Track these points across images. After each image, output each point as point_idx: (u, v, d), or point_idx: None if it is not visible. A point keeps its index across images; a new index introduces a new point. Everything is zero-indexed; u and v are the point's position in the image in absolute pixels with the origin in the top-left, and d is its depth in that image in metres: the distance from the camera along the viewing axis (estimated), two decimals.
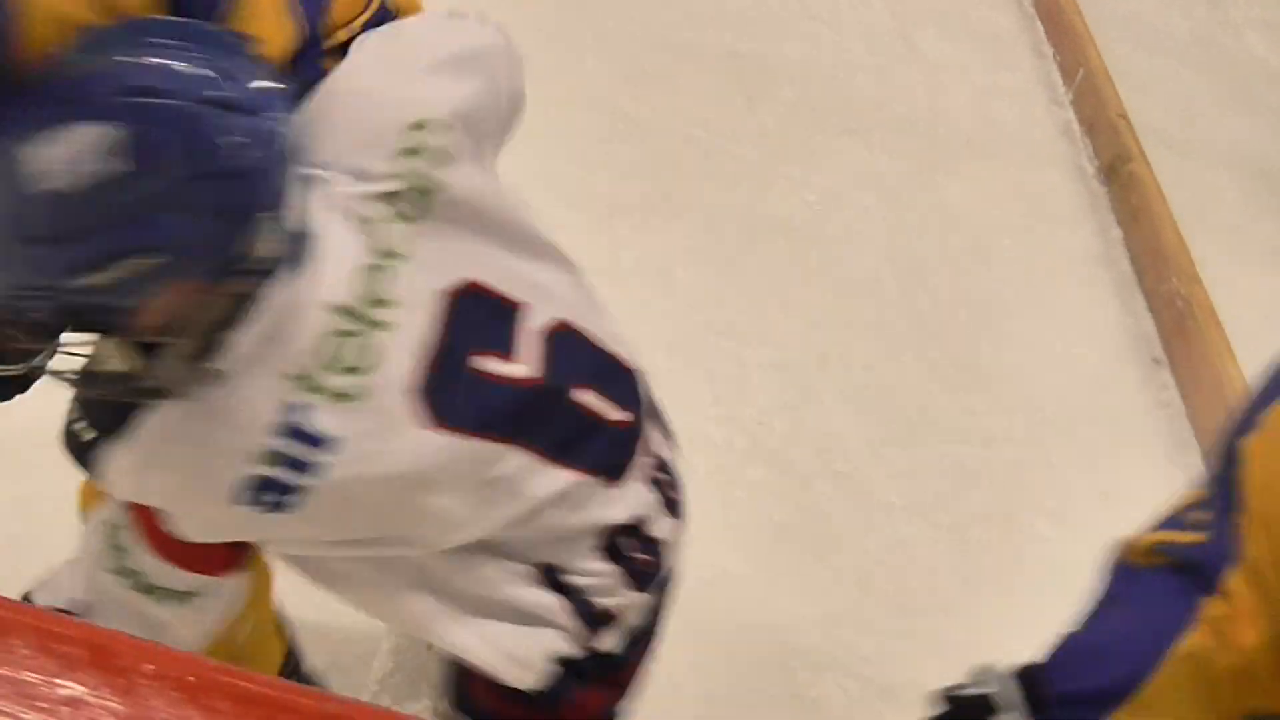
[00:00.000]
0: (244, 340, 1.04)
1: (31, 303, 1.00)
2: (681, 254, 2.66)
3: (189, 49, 0.99)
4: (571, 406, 1.18)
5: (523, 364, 1.15)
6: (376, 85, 1.17)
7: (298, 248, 1.05)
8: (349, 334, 1.07)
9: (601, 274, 2.53)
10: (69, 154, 0.94)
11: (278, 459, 1.05)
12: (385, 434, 1.08)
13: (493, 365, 1.14)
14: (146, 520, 1.13)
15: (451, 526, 1.15)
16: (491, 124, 1.22)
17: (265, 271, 1.03)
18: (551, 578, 1.20)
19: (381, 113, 1.14)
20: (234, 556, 1.19)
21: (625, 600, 1.23)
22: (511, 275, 1.17)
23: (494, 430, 1.13)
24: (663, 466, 1.29)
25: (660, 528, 1.26)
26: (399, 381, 1.08)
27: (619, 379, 1.24)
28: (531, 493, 1.16)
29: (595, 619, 1.22)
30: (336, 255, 1.08)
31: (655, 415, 1.31)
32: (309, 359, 1.05)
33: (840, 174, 3.02)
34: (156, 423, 1.06)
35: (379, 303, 1.08)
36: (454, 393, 1.11)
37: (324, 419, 1.05)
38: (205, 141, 0.97)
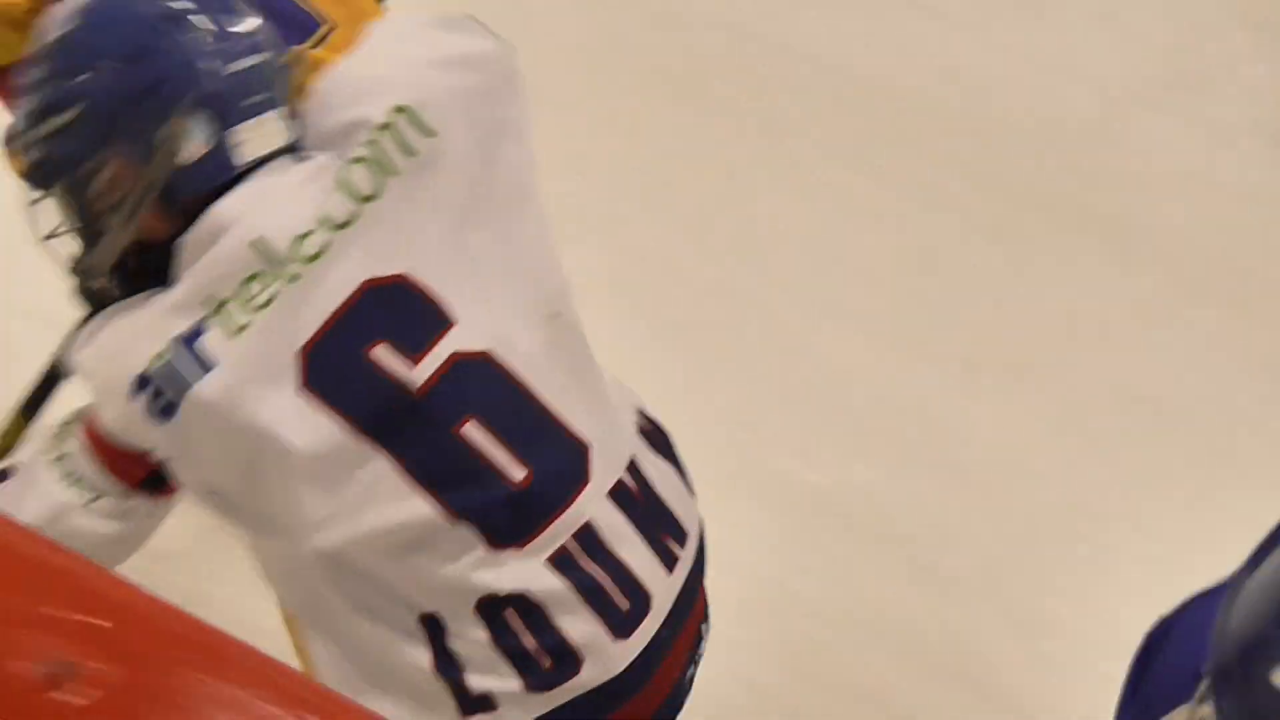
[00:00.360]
0: (179, 250, 1.17)
1: (25, 153, 1.22)
2: (1043, 426, 2.49)
3: None
4: (454, 437, 1.16)
5: (418, 370, 1.16)
6: (374, 70, 1.24)
7: (243, 179, 1.17)
8: (263, 275, 1.14)
9: (953, 439, 2.41)
10: (59, 18, 1.21)
11: (167, 367, 1.15)
12: (258, 378, 1.14)
13: (386, 359, 1.16)
14: (98, 443, 1.23)
15: (308, 523, 1.15)
16: (490, 127, 1.23)
17: (189, 173, 1.17)
18: (434, 633, 1.17)
19: (370, 94, 1.20)
20: (143, 483, 1.23)
21: (506, 687, 1.17)
22: (459, 291, 1.17)
23: (360, 421, 1.14)
24: (596, 549, 1.19)
25: (572, 626, 1.17)
26: (291, 335, 1.15)
27: (538, 435, 1.18)
28: (390, 513, 1.14)
29: (469, 702, 1.17)
30: (285, 202, 1.17)
31: (638, 512, 1.22)
32: (220, 284, 1.15)
33: (1225, 352, 2.77)
34: (106, 312, 1.20)
35: (302, 258, 1.15)
36: (337, 368, 1.15)
37: (213, 342, 1.14)
38: (144, 30, 1.17)
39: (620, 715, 1.22)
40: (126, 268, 1.22)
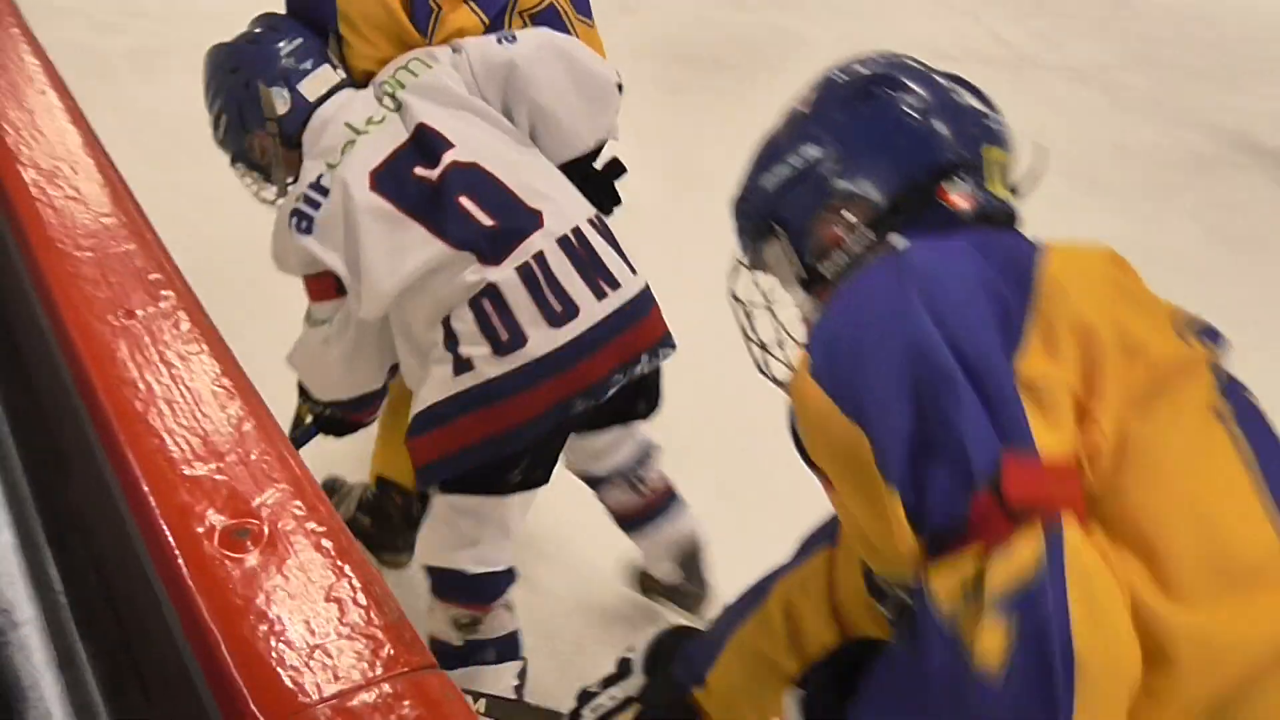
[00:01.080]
0: (306, 137, 2.11)
1: (224, 150, 2.26)
2: None
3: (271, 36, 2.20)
4: (455, 203, 1.96)
5: (435, 172, 1.99)
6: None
7: (324, 103, 2.13)
8: (351, 142, 2.05)
9: None
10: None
11: (304, 198, 2.04)
12: (346, 188, 2.00)
13: (421, 171, 2.00)
14: (307, 284, 2.15)
15: (381, 276, 1.97)
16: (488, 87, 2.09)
17: (288, 119, 2.13)
18: (446, 327, 1.96)
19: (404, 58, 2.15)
20: (335, 289, 2.10)
21: (480, 352, 1.93)
22: (455, 133, 2.02)
23: (405, 204, 1.98)
24: (545, 270, 1.95)
25: (523, 312, 1.93)
26: (364, 164, 2.02)
27: (505, 205, 1.98)
28: (422, 254, 1.95)
29: (460, 365, 1.94)
30: (358, 106, 2.10)
31: (577, 258, 1.97)
32: (329, 152, 2.06)
33: None
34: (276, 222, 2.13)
35: (371, 123, 2.06)
36: (390, 178, 2.00)
37: (326, 180, 2.04)
38: (233, 54, 2.20)
39: (551, 386, 1.93)
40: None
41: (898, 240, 1.20)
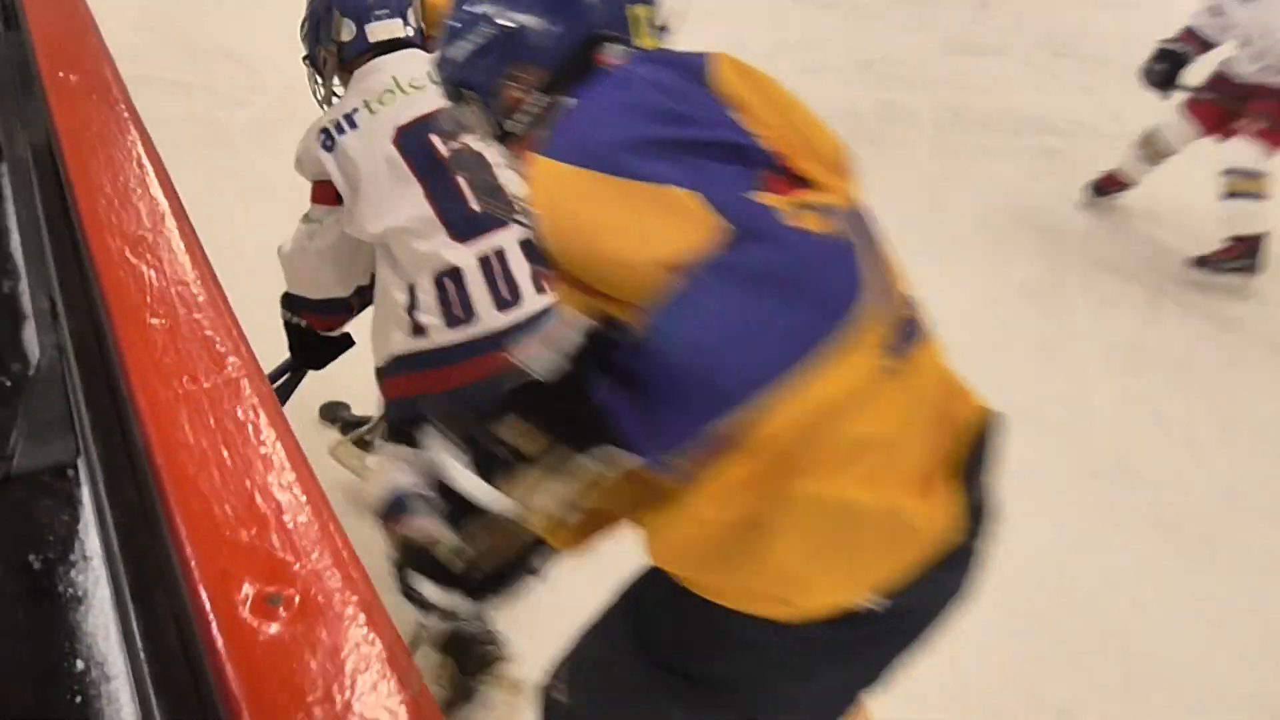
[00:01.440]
0: (353, 77, 2.52)
1: (305, 45, 2.63)
2: None
3: None
4: (453, 180, 2.34)
5: (445, 150, 2.34)
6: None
7: (381, 51, 2.52)
8: (392, 92, 2.44)
9: None
10: None
11: (336, 124, 2.43)
12: (374, 132, 2.39)
13: (436, 141, 2.36)
14: (314, 188, 2.52)
15: (374, 212, 2.36)
16: None
17: (347, 46, 2.54)
18: (411, 292, 2.31)
19: None
20: (335, 199, 2.46)
21: (434, 322, 2.29)
22: None
23: (415, 163, 2.36)
24: (503, 264, 2.31)
25: (477, 294, 2.28)
26: (395, 119, 2.41)
27: (493, 194, 2.25)
28: (412, 210, 2.32)
29: (416, 329, 2.30)
30: (410, 68, 2.47)
31: (532, 253, 2.30)
32: (370, 93, 2.45)
33: None
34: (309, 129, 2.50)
35: (413, 86, 2.44)
36: (413, 138, 2.38)
37: (359, 116, 2.42)
38: None
39: (487, 361, 2.23)
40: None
41: (569, 101, 1.36)
